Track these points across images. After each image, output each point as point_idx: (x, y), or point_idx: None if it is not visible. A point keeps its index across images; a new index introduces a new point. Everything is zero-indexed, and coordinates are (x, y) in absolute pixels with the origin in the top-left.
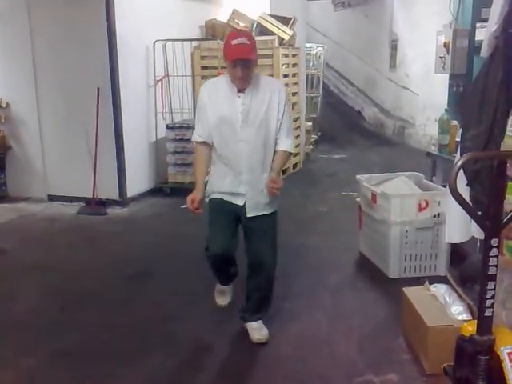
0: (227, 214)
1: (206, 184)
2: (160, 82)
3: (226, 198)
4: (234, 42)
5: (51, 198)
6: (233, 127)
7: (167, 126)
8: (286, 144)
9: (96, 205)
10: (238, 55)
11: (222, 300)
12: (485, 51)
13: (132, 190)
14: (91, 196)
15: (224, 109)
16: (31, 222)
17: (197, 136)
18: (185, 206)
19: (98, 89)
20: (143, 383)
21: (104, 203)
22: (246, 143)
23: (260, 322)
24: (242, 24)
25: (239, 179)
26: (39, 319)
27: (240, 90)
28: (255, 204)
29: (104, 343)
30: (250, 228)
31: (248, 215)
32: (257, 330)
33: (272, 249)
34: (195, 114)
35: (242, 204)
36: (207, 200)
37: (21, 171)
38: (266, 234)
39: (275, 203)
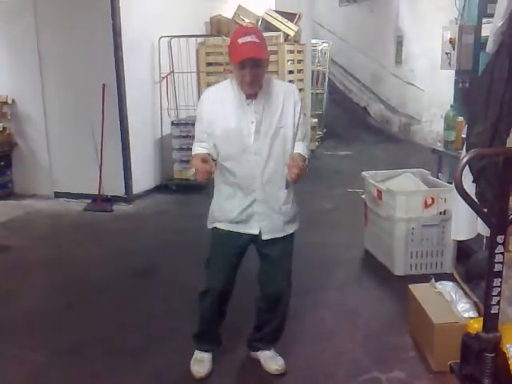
0: (233, 249)
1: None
2: (165, 79)
3: (235, 228)
4: (241, 40)
5: (57, 195)
6: (244, 140)
7: (172, 123)
8: (300, 148)
9: (102, 202)
10: (246, 55)
11: (201, 367)
12: (491, 47)
13: (138, 186)
14: (97, 193)
15: (232, 120)
16: (37, 219)
17: (199, 148)
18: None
19: (104, 85)
20: (150, 379)
21: (110, 200)
22: (259, 156)
23: (273, 350)
24: (246, 20)
25: (251, 198)
26: (45, 316)
27: (249, 97)
28: (271, 225)
29: (110, 340)
30: (265, 255)
31: (263, 238)
32: (272, 360)
33: (288, 277)
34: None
35: (256, 232)
36: (210, 227)
37: (27, 168)
38: (282, 262)
39: (294, 223)
